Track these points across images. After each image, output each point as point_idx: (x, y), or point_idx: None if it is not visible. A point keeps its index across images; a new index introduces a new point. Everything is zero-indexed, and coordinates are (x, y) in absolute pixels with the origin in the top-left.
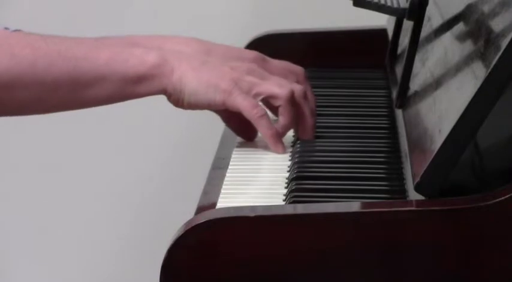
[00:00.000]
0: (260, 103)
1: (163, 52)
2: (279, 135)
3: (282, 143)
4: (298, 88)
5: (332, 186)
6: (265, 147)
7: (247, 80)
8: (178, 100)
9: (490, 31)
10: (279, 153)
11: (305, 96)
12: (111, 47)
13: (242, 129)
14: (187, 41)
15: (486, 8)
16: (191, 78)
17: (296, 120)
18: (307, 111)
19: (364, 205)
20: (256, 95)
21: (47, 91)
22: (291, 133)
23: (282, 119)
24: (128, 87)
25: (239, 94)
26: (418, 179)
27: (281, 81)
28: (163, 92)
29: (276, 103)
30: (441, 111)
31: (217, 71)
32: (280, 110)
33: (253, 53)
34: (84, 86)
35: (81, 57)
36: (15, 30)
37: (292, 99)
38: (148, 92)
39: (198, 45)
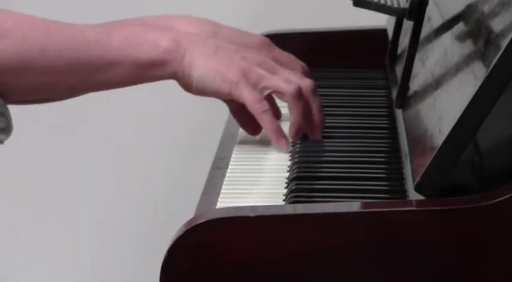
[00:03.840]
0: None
1: (177, 36)
2: (282, 131)
3: (285, 138)
4: (306, 83)
5: (332, 186)
6: (265, 147)
7: (256, 71)
8: (187, 85)
9: (490, 31)
10: (282, 148)
11: (314, 91)
12: (125, 31)
13: (247, 123)
14: (197, 21)
15: (486, 8)
16: (201, 64)
17: (305, 116)
18: (314, 106)
19: (364, 205)
20: (263, 89)
21: (58, 75)
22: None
23: (292, 116)
24: (140, 72)
25: (245, 86)
26: (418, 179)
27: (290, 76)
28: (174, 76)
29: (283, 99)
30: (441, 111)
31: (228, 60)
32: (288, 106)
33: (261, 38)
34: (96, 70)
35: (94, 41)
36: None
37: (299, 95)
38: (159, 76)
39: (206, 26)
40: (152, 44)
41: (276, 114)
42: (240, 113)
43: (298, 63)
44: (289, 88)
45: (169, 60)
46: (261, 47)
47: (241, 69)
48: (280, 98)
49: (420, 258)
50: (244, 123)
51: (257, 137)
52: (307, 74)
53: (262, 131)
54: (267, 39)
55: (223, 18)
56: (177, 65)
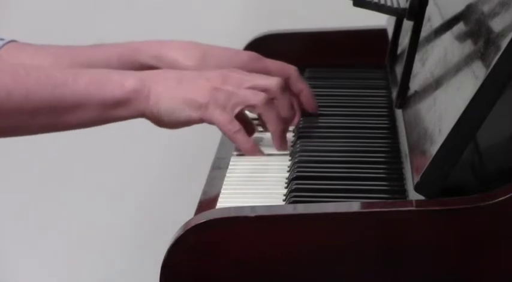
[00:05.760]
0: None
1: (141, 76)
2: (256, 147)
3: (261, 152)
4: (273, 82)
5: (332, 186)
6: (265, 148)
7: (223, 89)
8: (159, 121)
9: (490, 31)
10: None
11: (282, 89)
12: (90, 73)
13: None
14: (185, 45)
15: (486, 8)
16: (167, 98)
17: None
18: (283, 105)
19: (364, 205)
20: (233, 107)
21: (25, 118)
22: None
23: (269, 126)
24: (106, 112)
25: (215, 109)
26: (418, 179)
27: (258, 81)
28: (142, 115)
29: (255, 111)
30: (441, 111)
31: (192, 86)
32: (263, 117)
33: (249, 53)
34: (62, 112)
35: (60, 84)
36: (10, 41)
37: (270, 104)
38: (126, 116)
39: (195, 49)
40: (117, 85)
41: (250, 128)
42: None
43: (290, 69)
44: (258, 99)
45: (135, 100)
46: (250, 61)
47: (208, 90)
48: (252, 111)
49: (420, 258)
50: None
51: (256, 138)
52: (298, 79)
53: (262, 131)
54: (255, 53)
55: (223, 19)
56: (144, 104)
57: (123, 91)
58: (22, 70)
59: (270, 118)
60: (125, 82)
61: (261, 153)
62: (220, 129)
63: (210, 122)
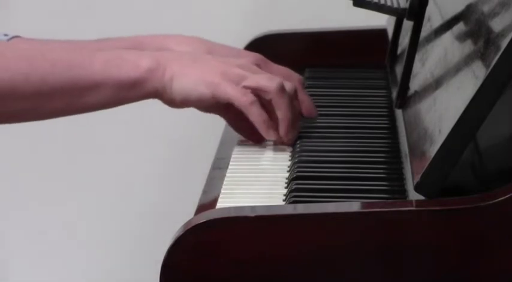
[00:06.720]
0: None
1: (156, 55)
2: (270, 123)
3: (274, 130)
4: (288, 84)
5: (332, 186)
6: (265, 147)
7: (236, 71)
8: (170, 99)
9: (490, 31)
10: (271, 139)
11: (295, 95)
12: (105, 54)
13: (249, 130)
14: (189, 40)
15: (486, 8)
16: (181, 75)
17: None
18: (285, 102)
19: (364, 205)
20: (245, 88)
21: (41, 101)
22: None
23: (279, 113)
24: (122, 93)
25: (228, 85)
26: (418, 179)
27: (271, 76)
28: (156, 93)
29: (267, 96)
30: (441, 111)
31: (207, 66)
32: (274, 104)
33: (255, 55)
34: (78, 93)
35: (76, 65)
36: (14, 37)
37: (283, 90)
38: (141, 95)
39: (200, 45)
40: (133, 65)
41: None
42: (238, 122)
43: (295, 76)
44: (272, 84)
45: (150, 79)
46: (255, 63)
47: (221, 71)
48: (263, 95)
49: (420, 258)
50: (246, 132)
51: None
52: (301, 89)
53: None
54: (260, 56)
55: (223, 19)
56: (158, 82)
57: (139, 71)
58: (38, 53)
59: (281, 104)
60: (140, 62)
61: (274, 132)
62: (235, 103)
63: (223, 99)
